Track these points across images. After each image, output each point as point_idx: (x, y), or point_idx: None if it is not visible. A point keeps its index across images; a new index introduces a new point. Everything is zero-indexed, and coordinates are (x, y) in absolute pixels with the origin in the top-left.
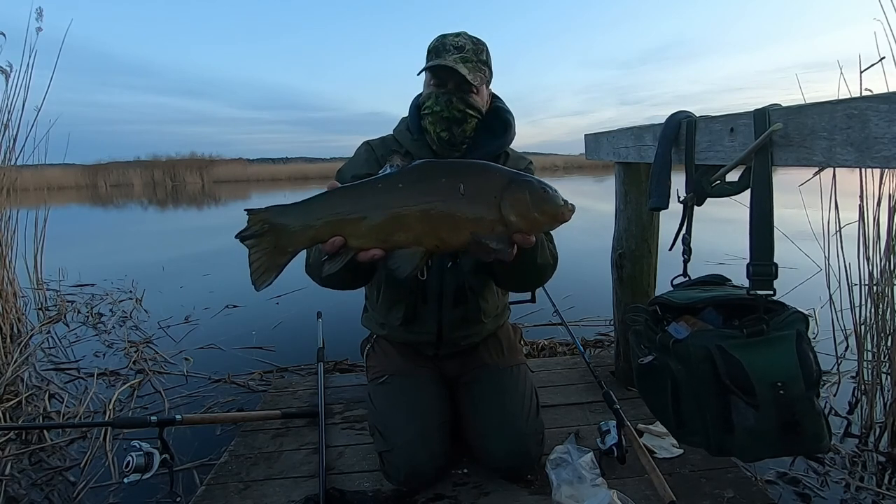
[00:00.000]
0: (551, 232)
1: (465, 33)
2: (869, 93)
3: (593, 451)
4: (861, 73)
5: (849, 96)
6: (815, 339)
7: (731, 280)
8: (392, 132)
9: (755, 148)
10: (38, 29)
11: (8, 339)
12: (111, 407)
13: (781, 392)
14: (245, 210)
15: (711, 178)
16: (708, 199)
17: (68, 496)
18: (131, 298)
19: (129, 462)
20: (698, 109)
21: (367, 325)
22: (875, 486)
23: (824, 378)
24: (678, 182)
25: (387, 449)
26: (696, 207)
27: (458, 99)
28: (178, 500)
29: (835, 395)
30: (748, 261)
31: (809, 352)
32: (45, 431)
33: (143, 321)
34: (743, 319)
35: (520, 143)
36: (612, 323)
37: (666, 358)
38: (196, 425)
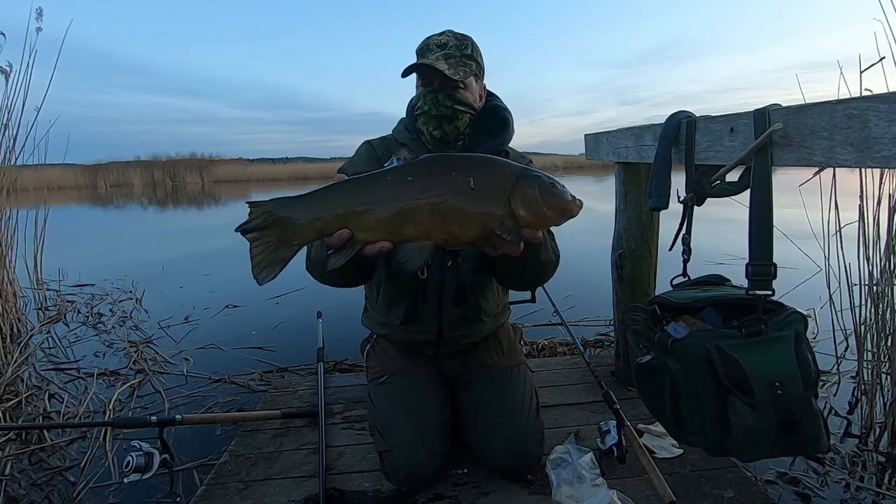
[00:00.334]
0: (552, 231)
1: (450, 31)
2: (869, 93)
3: (593, 451)
4: (861, 73)
5: (849, 96)
6: (815, 339)
7: (730, 280)
8: (391, 132)
9: (755, 148)
10: (38, 29)
11: (8, 339)
12: (111, 407)
13: (779, 392)
14: (247, 202)
15: (711, 178)
16: (708, 199)
17: (68, 496)
18: (131, 298)
19: (129, 462)
20: (698, 109)
21: (367, 324)
22: (875, 486)
23: (825, 378)
24: (678, 182)
25: (387, 449)
26: (696, 207)
27: (444, 96)
28: (178, 500)
29: (835, 395)
30: (747, 261)
31: (808, 352)
32: (45, 431)
33: (143, 321)
34: (742, 319)
35: (520, 143)
36: (612, 323)
37: (664, 357)
38: (196, 425)
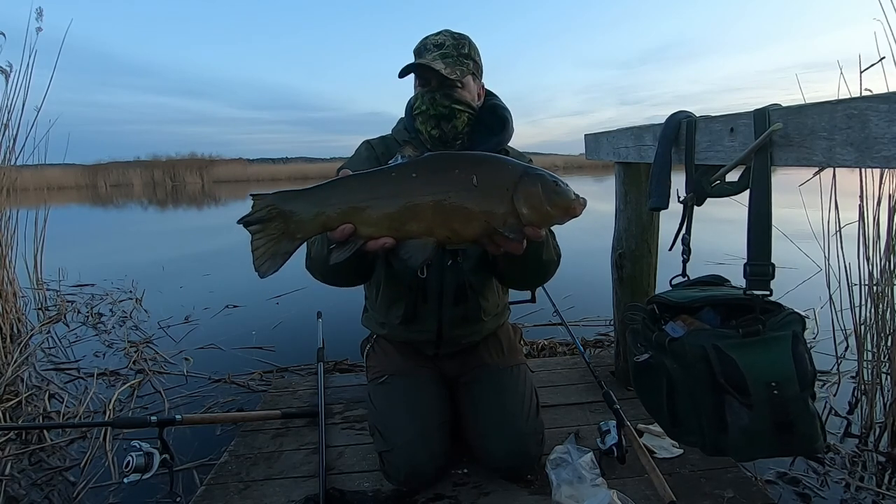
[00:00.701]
0: (552, 230)
1: (447, 31)
2: (869, 93)
3: (593, 451)
4: (861, 73)
5: (849, 96)
6: (815, 339)
7: (729, 280)
8: (391, 132)
9: (755, 148)
10: (38, 29)
11: (8, 339)
12: (111, 407)
13: (776, 392)
14: (251, 194)
15: (711, 178)
16: (708, 199)
17: (68, 496)
18: (131, 298)
19: (129, 462)
20: (698, 109)
21: (367, 324)
22: (875, 486)
23: (825, 378)
24: (678, 182)
25: (387, 449)
26: (695, 207)
27: (441, 95)
28: (178, 500)
29: (835, 395)
30: (746, 261)
31: (805, 353)
32: (45, 431)
33: (143, 321)
34: (739, 319)
35: (520, 142)
36: (612, 323)
37: (662, 356)
38: (196, 425)
